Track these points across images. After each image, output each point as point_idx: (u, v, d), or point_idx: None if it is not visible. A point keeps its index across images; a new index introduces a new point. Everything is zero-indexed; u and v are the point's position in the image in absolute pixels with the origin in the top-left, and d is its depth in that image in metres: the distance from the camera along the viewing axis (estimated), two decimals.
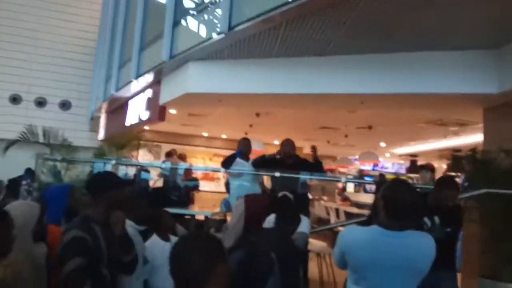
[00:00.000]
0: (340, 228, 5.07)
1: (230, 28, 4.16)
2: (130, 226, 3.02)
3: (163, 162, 7.43)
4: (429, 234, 2.84)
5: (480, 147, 4.53)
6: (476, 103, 4.78)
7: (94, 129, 11.93)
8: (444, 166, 10.70)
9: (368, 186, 11.34)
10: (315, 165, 4.46)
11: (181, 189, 5.12)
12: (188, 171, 6.58)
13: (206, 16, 5.14)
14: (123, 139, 5.55)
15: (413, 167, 12.59)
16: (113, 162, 4.45)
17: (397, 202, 1.84)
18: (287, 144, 4.41)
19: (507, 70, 4.03)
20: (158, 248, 3.37)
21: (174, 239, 3.49)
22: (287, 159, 4.36)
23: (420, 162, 13.36)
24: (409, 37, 4.12)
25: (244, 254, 3.12)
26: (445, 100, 4.78)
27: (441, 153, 11.24)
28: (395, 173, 9.97)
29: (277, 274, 1.99)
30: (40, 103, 12.61)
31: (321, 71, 4.81)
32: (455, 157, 10.12)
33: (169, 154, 7.11)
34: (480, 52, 4.23)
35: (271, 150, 4.71)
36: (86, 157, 5.06)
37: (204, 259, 1.24)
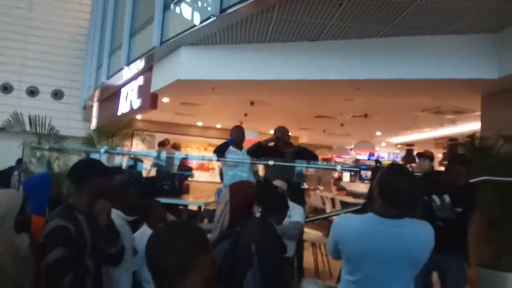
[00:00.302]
0: (336, 218, 4.99)
1: (222, 10, 4.00)
2: (118, 217, 2.91)
3: (156, 151, 7.32)
4: (437, 212, 2.75)
5: (477, 135, 4.44)
6: (475, 90, 4.68)
7: (87, 118, 11.76)
8: (440, 155, 10.64)
9: (363, 174, 11.22)
10: (311, 154, 4.36)
11: (174, 179, 5.00)
12: (182, 160, 6.45)
13: (197, 0, 4.96)
14: (113, 128, 5.40)
15: (409, 156, 12.53)
16: (102, 150, 4.31)
17: (394, 188, 1.73)
18: (281, 130, 4.30)
19: (508, 54, 3.92)
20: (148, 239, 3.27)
21: None
22: (283, 147, 4.26)
23: (418, 150, 13.35)
24: (408, 21, 3.98)
25: (229, 245, 3.03)
26: (443, 86, 4.67)
27: (437, 142, 11.20)
28: (376, 160, 9.89)
29: (256, 266, 1.96)
30: (32, 92, 12.39)
31: (316, 56, 4.67)
32: (451, 146, 10.14)
33: (162, 144, 6.98)
34: (480, 36, 4.11)
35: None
36: (74, 146, 4.90)
37: (184, 250, 1.13)
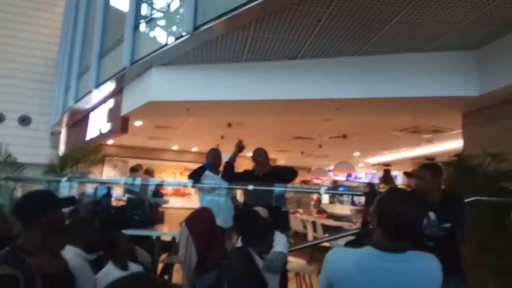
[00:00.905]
0: (326, 244, 4.70)
1: (195, 28, 3.80)
2: (77, 256, 2.54)
3: (126, 178, 6.90)
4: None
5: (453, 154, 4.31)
6: (455, 108, 4.61)
7: (56, 145, 11.20)
8: None
9: (356, 200, 10.93)
10: (289, 171, 4.06)
11: (145, 208, 4.63)
12: (157, 187, 6.07)
13: (169, 19, 4.75)
14: (78, 154, 5.02)
15: (387, 177, 12.53)
16: (64, 179, 3.94)
17: (396, 219, 1.49)
18: (256, 152, 4.04)
19: (489, 71, 3.86)
20: (114, 279, 2.89)
21: (133, 266, 3.02)
22: (257, 169, 3.98)
23: (395, 170, 13.38)
24: (387, 38, 3.89)
25: (213, 278, 2.71)
26: (424, 104, 4.58)
27: (414, 162, 11.22)
28: (369, 183, 9.76)
29: None
30: None
31: (295, 75, 4.51)
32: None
33: (134, 169, 6.59)
34: (460, 53, 4.05)
35: (244, 163, 4.32)
36: (35, 175, 4.47)
37: None
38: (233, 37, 3.98)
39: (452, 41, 3.88)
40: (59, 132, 10.47)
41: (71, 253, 2.48)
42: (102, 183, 5.11)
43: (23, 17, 11.86)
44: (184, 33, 3.91)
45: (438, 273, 1.54)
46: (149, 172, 6.89)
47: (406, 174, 3.07)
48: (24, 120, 12.04)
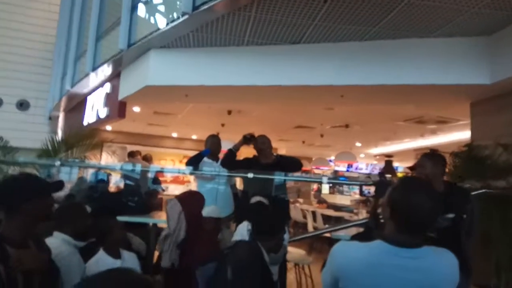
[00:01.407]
0: (327, 235, 4.56)
1: (195, 8, 3.62)
2: (67, 243, 2.42)
3: (124, 164, 6.78)
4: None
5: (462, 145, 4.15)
6: (464, 97, 4.45)
7: (55, 130, 11.08)
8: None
9: (365, 190, 10.73)
10: (295, 163, 3.92)
11: (141, 194, 4.50)
12: (157, 174, 5.93)
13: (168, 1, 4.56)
14: (72, 139, 4.87)
15: (389, 167, 12.40)
16: (57, 163, 3.80)
17: (411, 210, 1.35)
18: (261, 140, 3.89)
19: (501, 58, 3.69)
20: (105, 267, 2.78)
21: (126, 254, 2.90)
22: (261, 158, 3.84)
23: (397, 161, 13.25)
24: (395, 23, 3.71)
25: (214, 268, 2.61)
26: (431, 92, 4.41)
27: (417, 153, 11.08)
28: (379, 173, 9.61)
29: None
30: None
31: (298, 60, 4.34)
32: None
33: (131, 154, 6.46)
34: (470, 39, 3.87)
35: (245, 151, 4.17)
36: (26, 159, 4.33)
37: None
38: (234, 19, 3.80)
39: (462, 26, 3.70)
40: (57, 117, 10.33)
41: (59, 240, 2.35)
42: (96, 168, 4.98)
43: (21, 0, 11.62)
44: (182, 13, 3.72)
45: (455, 271, 1.41)
46: (147, 159, 6.77)
47: (411, 168, 2.92)
48: (22, 105, 11.88)
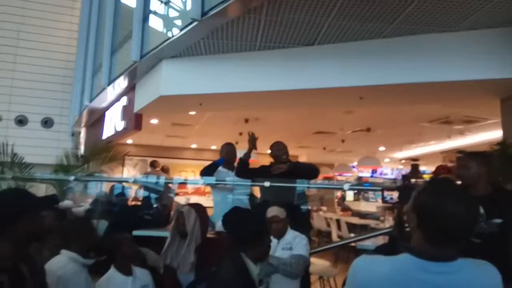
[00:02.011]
0: (352, 244, 4.32)
1: (203, 13, 3.53)
2: (74, 261, 2.32)
3: (145, 174, 6.75)
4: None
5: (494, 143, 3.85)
6: (493, 93, 4.15)
7: (77, 145, 11.28)
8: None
9: (387, 196, 10.34)
10: (310, 170, 3.73)
11: (157, 207, 4.41)
12: (168, 185, 5.84)
13: (178, 8, 4.51)
14: (89, 153, 4.86)
15: (415, 172, 11.95)
16: (72, 178, 3.76)
17: (444, 217, 1.15)
18: (276, 146, 3.73)
19: None
20: (115, 285, 2.67)
21: (138, 271, 2.79)
22: (276, 165, 3.67)
23: (424, 165, 12.77)
24: (414, 17, 3.50)
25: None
26: (457, 90, 4.15)
27: (444, 156, 10.63)
28: (403, 176, 9.18)
29: None
30: (21, 121, 11.97)
31: (313, 62, 4.18)
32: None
33: (152, 164, 6.42)
34: (498, 30, 3.61)
35: (264, 160, 4.02)
36: (40, 174, 4.31)
37: None
38: (244, 23, 3.69)
39: (488, 17, 3.45)
40: (79, 133, 10.49)
41: (66, 258, 2.25)
42: (109, 181, 4.93)
43: (44, 21, 11.99)
44: (192, 20, 3.64)
45: (499, 283, 1.20)
46: (165, 170, 6.71)
47: (441, 168, 2.69)
48: (47, 122, 12.19)
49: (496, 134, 7.39)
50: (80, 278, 2.17)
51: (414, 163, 12.20)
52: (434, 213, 1.17)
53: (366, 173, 15.02)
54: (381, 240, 3.73)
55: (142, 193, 6.09)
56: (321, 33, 3.89)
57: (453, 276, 1.15)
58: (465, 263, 1.19)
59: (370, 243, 3.69)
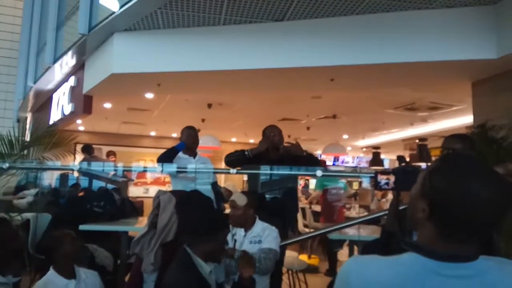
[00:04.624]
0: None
1: None
2: None
3: (81, 161, 6.21)
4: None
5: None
6: (466, 75, 4.05)
7: (24, 133, 10.35)
8: (407, 158, 10.18)
9: (380, 180, 10.19)
10: (310, 158, 3.50)
11: (108, 198, 3.94)
12: (125, 173, 5.35)
13: None
14: (30, 138, 4.31)
15: (376, 160, 12.08)
16: (5, 165, 3.24)
17: (469, 204, 0.88)
18: (277, 132, 3.48)
19: (509, 29, 3.28)
20: None
21: (83, 273, 2.38)
22: (273, 150, 3.42)
23: (385, 153, 12.94)
24: None
25: None
26: (430, 72, 3.99)
27: (405, 143, 10.79)
28: (398, 156, 9.12)
29: None
30: None
31: (282, 40, 3.86)
32: (421, 146, 9.70)
33: (86, 150, 5.87)
34: (474, 10, 3.46)
35: (228, 148, 3.69)
36: None
37: None
38: None
39: None
40: (26, 118, 9.62)
41: None
42: (50, 169, 4.40)
43: None
44: None
45: None
46: (111, 154, 6.21)
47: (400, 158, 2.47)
48: None
49: (458, 121, 7.49)
50: None
51: (376, 151, 12.31)
52: (453, 200, 0.89)
53: (328, 162, 15.07)
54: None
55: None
56: (291, 7, 3.57)
57: (474, 280, 0.88)
58: (489, 263, 0.92)
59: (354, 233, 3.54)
